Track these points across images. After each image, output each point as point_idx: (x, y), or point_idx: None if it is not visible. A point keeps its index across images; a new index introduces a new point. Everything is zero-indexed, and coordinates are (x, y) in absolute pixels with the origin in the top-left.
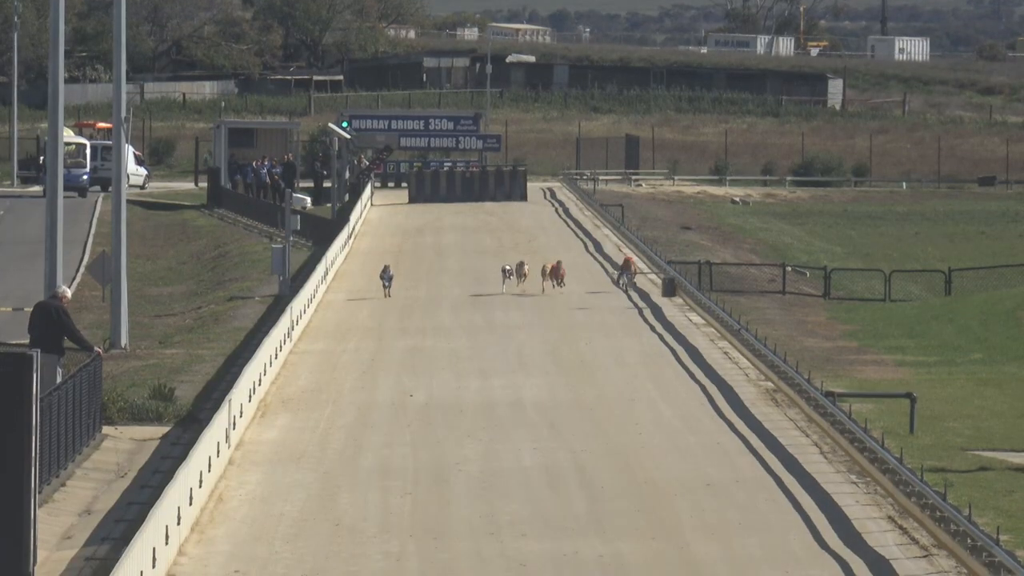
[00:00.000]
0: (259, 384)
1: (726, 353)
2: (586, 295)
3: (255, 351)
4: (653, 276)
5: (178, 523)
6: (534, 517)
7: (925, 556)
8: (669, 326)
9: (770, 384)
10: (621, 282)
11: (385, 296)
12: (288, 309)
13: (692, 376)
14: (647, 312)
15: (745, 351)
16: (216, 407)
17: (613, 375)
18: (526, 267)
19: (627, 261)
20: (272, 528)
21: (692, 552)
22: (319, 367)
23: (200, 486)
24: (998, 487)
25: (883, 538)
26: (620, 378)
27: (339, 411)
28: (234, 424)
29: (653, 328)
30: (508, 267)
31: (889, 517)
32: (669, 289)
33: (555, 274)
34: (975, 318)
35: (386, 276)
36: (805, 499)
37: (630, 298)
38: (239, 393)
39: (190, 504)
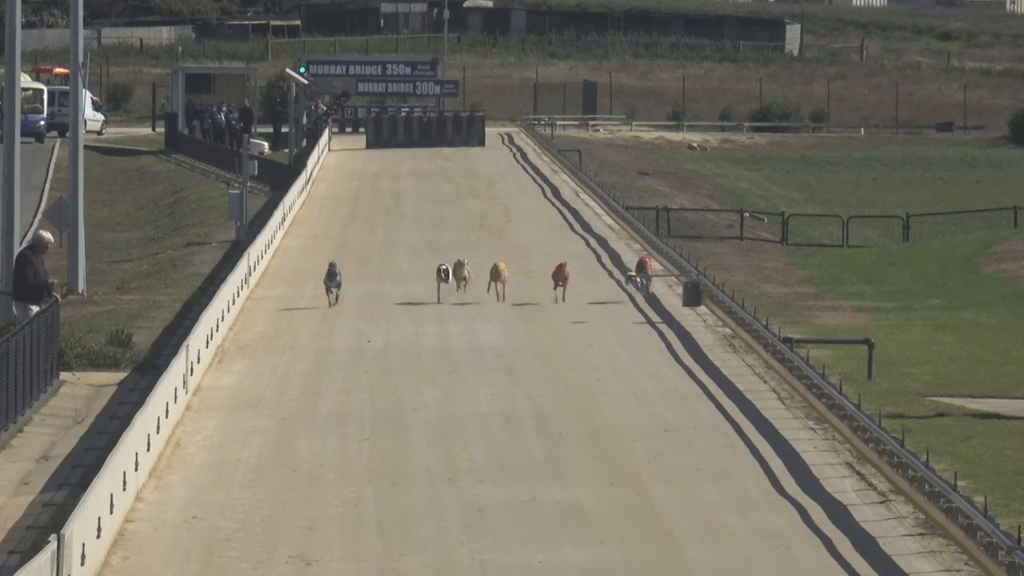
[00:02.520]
0: (217, 330)
1: None
2: (543, 241)
3: (212, 297)
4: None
5: (136, 469)
6: (492, 463)
7: (883, 502)
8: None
9: (728, 330)
10: (639, 283)
11: (330, 304)
12: (245, 255)
13: (649, 321)
14: (605, 259)
15: (704, 297)
16: (174, 353)
17: (571, 321)
18: (467, 268)
19: (643, 261)
20: (230, 474)
21: (650, 498)
22: (276, 313)
23: (158, 432)
24: (956, 433)
25: (841, 484)
26: (578, 323)
27: (297, 357)
28: (191, 370)
29: (611, 274)
30: (444, 267)
31: (847, 463)
32: (692, 296)
33: (560, 277)
34: (933, 264)
35: (333, 280)
36: (763, 445)
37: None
38: (196, 339)
39: (148, 450)
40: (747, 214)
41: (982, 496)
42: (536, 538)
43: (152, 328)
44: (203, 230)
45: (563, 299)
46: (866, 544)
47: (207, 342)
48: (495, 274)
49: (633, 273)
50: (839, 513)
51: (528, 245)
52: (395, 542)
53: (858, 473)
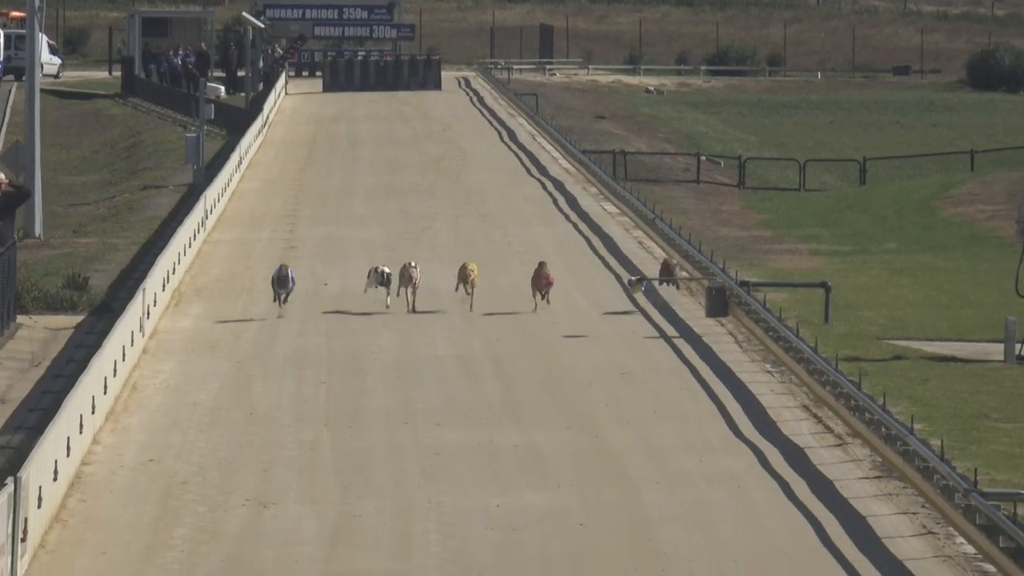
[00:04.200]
0: (173, 273)
1: (640, 243)
2: (499, 185)
3: (169, 240)
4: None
5: (92, 412)
6: (449, 406)
7: (840, 445)
8: (584, 215)
9: (685, 273)
10: (652, 285)
11: (279, 310)
12: (202, 198)
13: (607, 265)
14: (561, 202)
15: (660, 240)
16: (130, 296)
17: (529, 261)
18: (416, 270)
19: (667, 264)
20: (186, 417)
21: (607, 441)
22: (233, 256)
23: (114, 375)
24: (912, 376)
25: (798, 427)
26: (535, 265)
27: (253, 300)
28: (148, 313)
29: (568, 217)
30: (384, 270)
31: (804, 406)
32: (718, 305)
33: (540, 283)
34: (889, 207)
35: (285, 287)
36: (720, 388)
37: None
38: (153, 282)
39: (104, 393)
40: (704, 157)
41: (939, 439)
42: (493, 481)
43: (109, 271)
44: (160, 173)
45: (547, 302)
46: (823, 487)
47: (164, 285)
48: (463, 275)
49: (634, 278)
50: (796, 456)
51: (485, 189)
52: (352, 485)
53: (815, 416)
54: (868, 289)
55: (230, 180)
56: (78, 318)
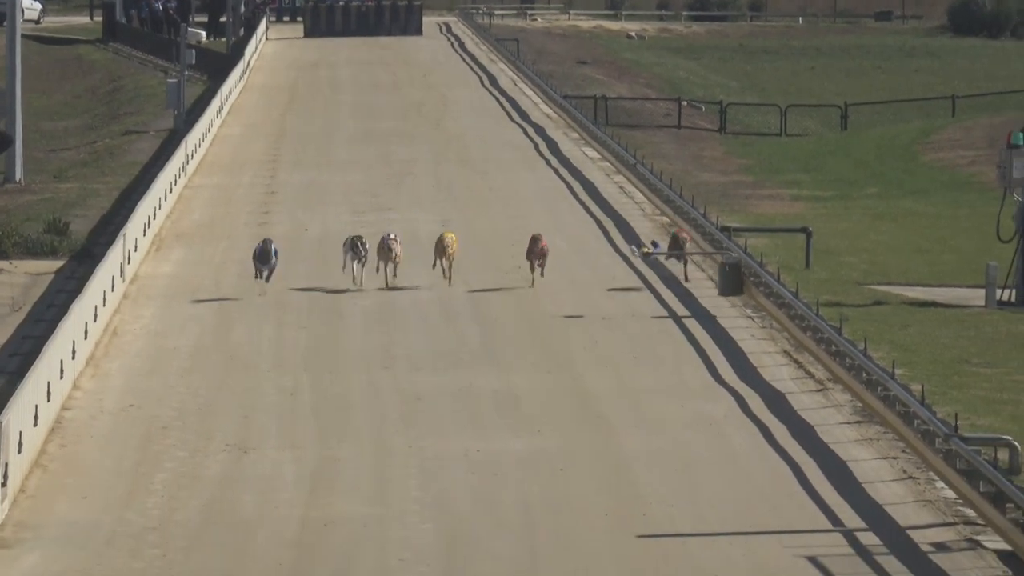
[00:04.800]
0: (154, 218)
1: (621, 188)
2: (480, 130)
3: (150, 186)
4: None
5: (73, 357)
6: (429, 351)
7: (820, 390)
8: (565, 160)
9: (665, 219)
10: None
11: (260, 287)
12: (183, 143)
13: (587, 210)
14: (542, 147)
15: (641, 186)
16: (111, 241)
17: (510, 207)
18: (396, 243)
19: (677, 236)
20: (166, 362)
21: (586, 385)
22: (214, 201)
23: (95, 320)
24: (893, 321)
25: (778, 372)
26: (515, 212)
27: (234, 245)
28: (129, 258)
29: (549, 162)
30: (359, 240)
31: (784, 351)
32: (731, 282)
33: (536, 253)
34: (871, 153)
35: (266, 263)
36: (700, 334)
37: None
38: (134, 227)
39: (85, 338)
40: (685, 103)
41: (919, 384)
42: (473, 426)
43: (89, 217)
44: (141, 119)
45: (542, 275)
46: (803, 432)
47: (144, 231)
48: (440, 249)
49: (648, 249)
50: (776, 401)
51: (465, 134)
52: (331, 430)
53: (795, 361)
54: (849, 234)
55: (211, 125)
56: (59, 263)
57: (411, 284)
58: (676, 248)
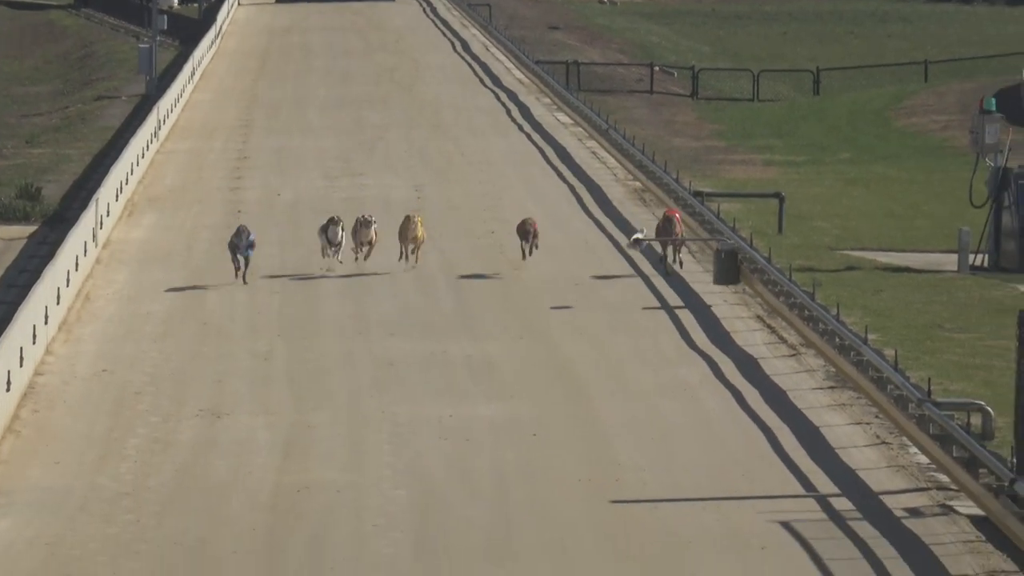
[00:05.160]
0: (126, 183)
1: (594, 153)
2: (453, 95)
3: (122, 150)
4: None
5: (45, 322)
6: (403, 317)
7: (793, 355)
8: (537, 126)
9: (638, 184)
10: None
11: (236, 277)
12: (155, 108)
13: (560, 175)
14: (514, 112)
15: (613, 151)
16: (83, 206)
17: (482, 172)
18: (373, 227)
19: (669, 218)
20: (139, 327)
21: (562, 352)
22: (186, 166)
23: (67, 285)
24: (866, 286)
25: (751, 337)
26: (488, 177)
27: (206, 210)
28: (101, 223)
29: (521, 128)
30: (334, 223)
31: (757, 317)
32: (728, 270)
33: (527, 233)
34: (843, 118)
35: (241, 248)
36: (674, 299)
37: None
38: (106, 192)
39: (58, 304)
40: (657, 68)
41: (892, 349)
42: (447, 392)
43: (62, 182)
44: (113, 84)
45: (530, 253)
46: (777, 397)
47: (117, 196)
48: (404, 233)
49: (641, 236)
50: (750, 366)
51: (438, 99)
52: (305, 395)
53: (768, 327)
54: (822, 199)
55: (183, 91)
56: (31, 228)
57: (384, 253)
58: (667, 230)
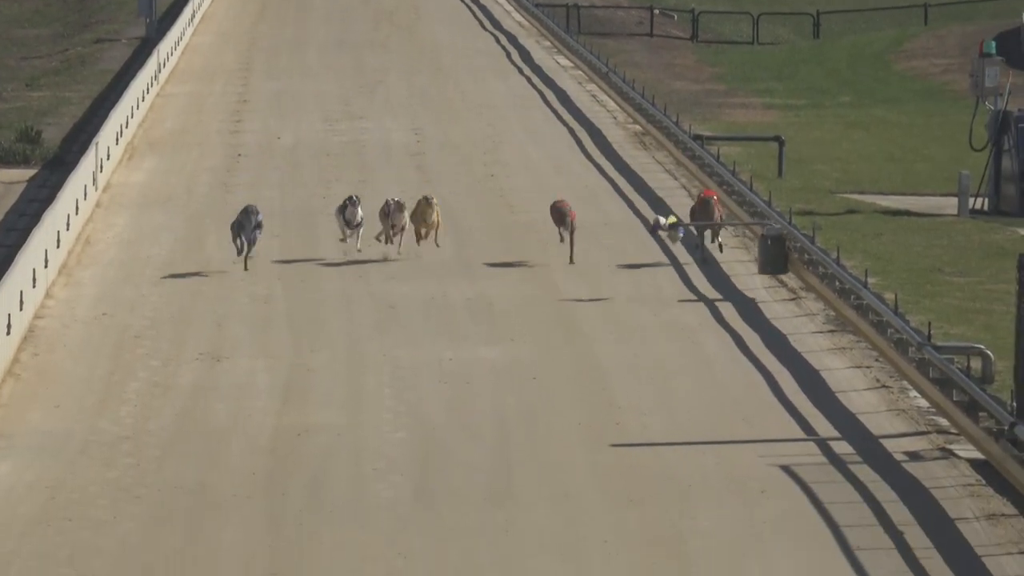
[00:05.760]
0: (126, 127)
1: (594, 96)
2: (453, 38)
3: (122, 94)
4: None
5: (45, 266)
6: (403, 259)
7: (793, 299)
8: (537, 69)
9: (638, 127)
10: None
11: (245, 265)
12: (155, 51)
13: (560, 119)
14: (514, 56)
15: (613, 94)
16: (83, 150)
17: (483, 115)
18: (406, 212)
19: (705, 200)
20: (139, 271)
21: (560, 291)
22: (186, 110)
23: (67, 229)
24: (866, 230)
25: (751, 281)
26: (488, 120)
27: (206, 154)
28: (101, 167)
29: (521, 71)
30: (354, 206)
31: (757, 260)
32: (775, 259)
33: (564, 218)
34: (843, 61)
35: (248, 230)
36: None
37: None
38: (106, 136)
39: (57, 247)
40: (657, 11)
41: (892, 293)
42: (446, 334)
43: (62, 125)
44: (113, 27)
45: (571, 253)
46: (776, 340)
47: (117, 139)
48: (419, 220)
49: (674, 219)
50: (750, 310)
51: (438, 42)
52: (305, 338)
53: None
54: (822, 143)
55: (183, 34)
56: (31, 172)
57: (381, 192)
58: (705, 213)
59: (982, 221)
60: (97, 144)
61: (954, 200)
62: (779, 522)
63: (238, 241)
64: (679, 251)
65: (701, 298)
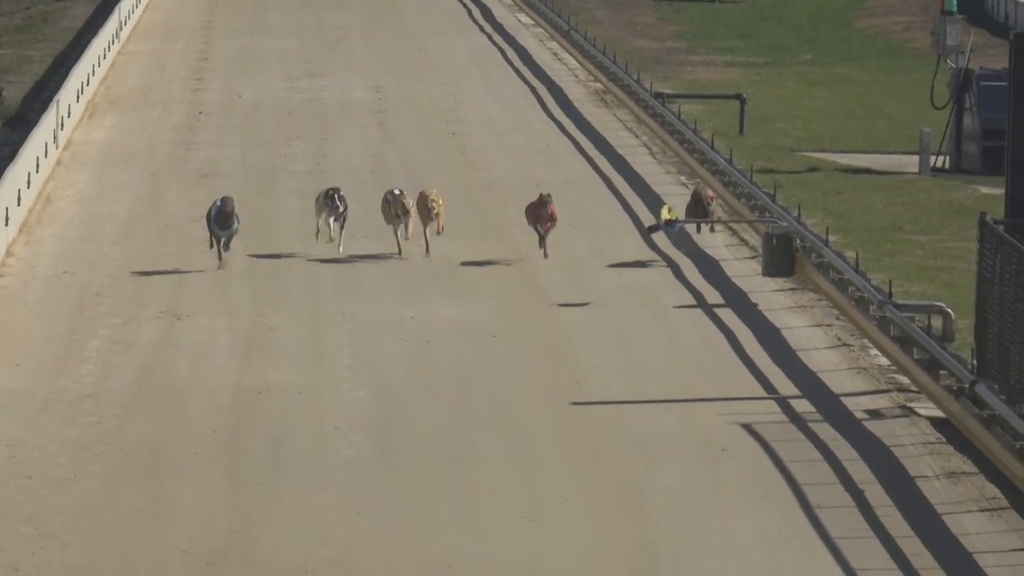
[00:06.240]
0: (87, 84)
1: (555, 54)
2: None
3: (84, 51)
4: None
5: (6, 224)
6: (364, 218)
7: (754, 257)
8: (498, 27)
9: (599, 85)
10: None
11: (219, 265)
12: (116, 9)
13: (521, 76)
14: (476, 13)
15: (574, 51)
16: (45, 108)
17: (444, 73)
18: (408, 199)
19: (700, 195)
20: (100, 228)
21: (521, 250)
22: (147, 67)
23: (28, 187)
24: (827, 188)
25: (712, 239)
26: (450, 78)
27: (168, 112)
28: (62, 125)
29: (482, 28)
30: (338, 199)
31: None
32: (780, 259)
33: (542, 221)
34: (804, 19)
35: (226, 228)
36: (635, 200)
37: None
38: (68, 94)
39: (18, 205)
40: None
41: (853, 251)
42: (406, 292)
43: (23, 83)
44: None
45: (544, 255)
46: (737, 298)
47: (78, 97)
48: (425, 211)
49: (670, 217)
50: (711, 268)
51: (399, 0)
52: (265, 296)
53: (730, 228)
54: (783, 101)
55: None
56: None
57: (342, 151)
58: (700, 209)
59: (943, 179)
60: (58, 102)
61: (915, 158)
62: (740, 480)
63: (220, 238)
64: (640, 209)
65: (662, 256)
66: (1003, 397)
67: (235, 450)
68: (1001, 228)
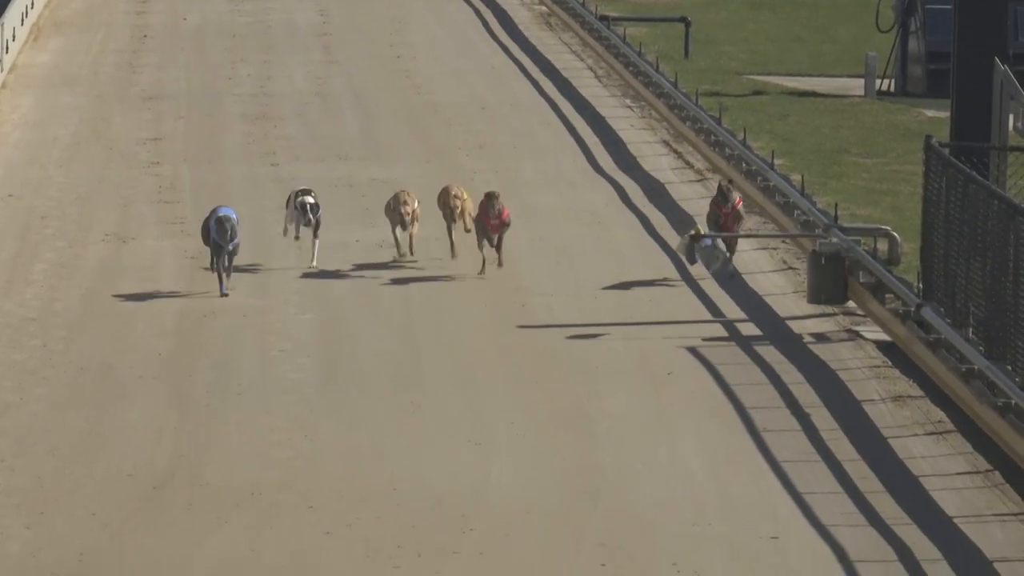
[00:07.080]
0: (32, 7)
1: None
2: None
3: None
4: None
5: None
6: (309, 141)
7: (700, 180)
8: None
9: (544, 8)
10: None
11: (219, 282)
12: None
13: (478, 13)
14: None
15: None
16: None
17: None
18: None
19: (725, 192)
20: (46, 152)
21: (466, 172)
22: None
23: None
24: (772, 111)
25: (658, 162)
26: (396, 2)
27: (112, 35)
28: (7, 48)
29: None
30: (309, 202)
31: (664, 141)
32: (830, 284)
33: (489, 226)
34: None
35: (224, 238)
36: (580, 123)
37: None
38: (11, 17)
39: None
40: None
41: (799, 174)
42: (352, 217)
43: None
44: None
45: (500, 263)
46: (684, 223)
47: (22, 20)
48: (448, 209)
49: (697, 231)
50: (657, 191)
51: None
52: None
53: (675, 151)
54: (728, 24)
55: None
56: None
57: (287, 74)
58: (720, 211)
59: (889, 102)
60: (2, 25)
61: (861, 81)
62: (686, 404)
63: (220, 259)
64: (586, 132)
65: (605, 177)
66: (949, 321)
67: (181, 373)
68: (947, 151)
